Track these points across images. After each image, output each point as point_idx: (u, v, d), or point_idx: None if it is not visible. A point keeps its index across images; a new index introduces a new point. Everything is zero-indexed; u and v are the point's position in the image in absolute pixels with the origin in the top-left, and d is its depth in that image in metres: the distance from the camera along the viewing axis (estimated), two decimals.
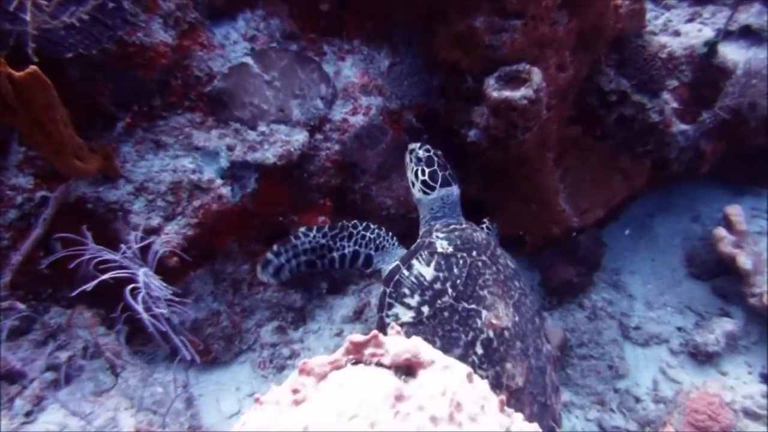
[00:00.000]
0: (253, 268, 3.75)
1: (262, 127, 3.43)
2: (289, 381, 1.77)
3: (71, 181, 3.01)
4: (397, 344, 1.82)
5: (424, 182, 3.28)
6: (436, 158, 3.31)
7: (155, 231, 3.19)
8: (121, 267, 2.81)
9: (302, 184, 3.69)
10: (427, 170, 3.28)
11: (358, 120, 3.65)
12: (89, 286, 2.77)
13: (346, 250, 3.38)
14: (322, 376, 1.81)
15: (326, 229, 3.38)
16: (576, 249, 4.18)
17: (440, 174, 3.27)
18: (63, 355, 2.91)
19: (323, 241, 3.40)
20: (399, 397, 1.62)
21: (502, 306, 2.86)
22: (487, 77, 3.31)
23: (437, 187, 3.25)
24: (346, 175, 3.78)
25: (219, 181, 3.30)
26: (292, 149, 3.45)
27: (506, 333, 2.80)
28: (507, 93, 3.18)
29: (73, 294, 2.84)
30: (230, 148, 3.36)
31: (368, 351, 1.83)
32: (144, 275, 2.83)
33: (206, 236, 3.45)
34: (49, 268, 3.11)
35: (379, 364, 1.83)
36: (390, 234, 3.41)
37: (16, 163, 2.94)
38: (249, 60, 3.44)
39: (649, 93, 3.67)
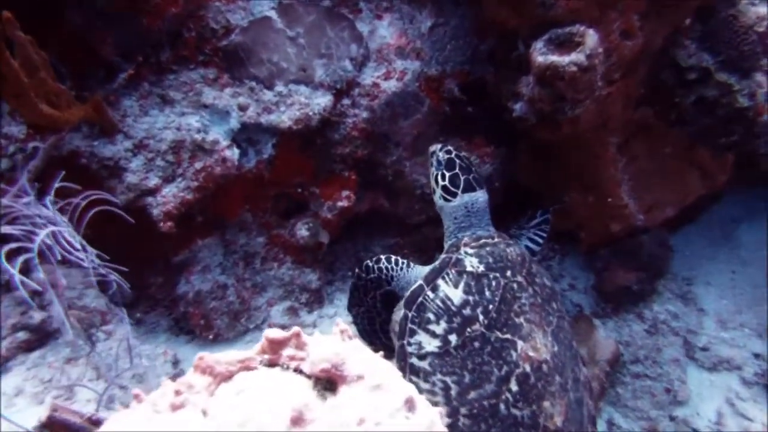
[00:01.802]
0: (269, 240, 3.47)
1: (280, 87, 3.10)
2: (180, 379, 1.44)
3: (64, 132, 2.80)
4: (321, 349, 1.44)
5: (444, 188, 2.83)
6: (458, 160, 2.85)
7: (152, 192, 2.94)
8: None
9: (325, 153, 3.35)
10: (447, 174, 2.82)
11: (391, 85, 3.25)
12: None
13: (368, 297, 2.95)
14: (226, 377, 1.47)
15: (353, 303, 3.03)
16: (638, 251, 3.61)
17: (462, 178, 2.80)
18: (38, 316, 2.72)
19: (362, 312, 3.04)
20: (297, 420, 1.27)
21: (540, 335, 2.46)
22: (536, 41, 2.82)
23: (459, 192, 2.79)
24: (375, 146, 3.40)
25: (224, 143, 3.00)
26: (311, 113, 3.11)
27: (544, 367, 2.40)
28: (554, 58, 2.68)
29: None
30: (242, 108, 3.06)
31: (286, 352, 1.48)
32: (47, 236, 2.46)
33: (212, 202, 3.19)
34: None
35: (298, 371, 1.47)
36: (398, 261, 2.89)
37: (9, 111, 2.76)
38: (273, 14, 3.11)
39: (738, 72, 3.04)
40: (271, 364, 1.50)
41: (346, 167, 3.39)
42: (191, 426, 1.29)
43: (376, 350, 1.60)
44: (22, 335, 2.68)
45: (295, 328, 1.48)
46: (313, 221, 3.42)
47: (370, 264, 2.90)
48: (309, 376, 1.43)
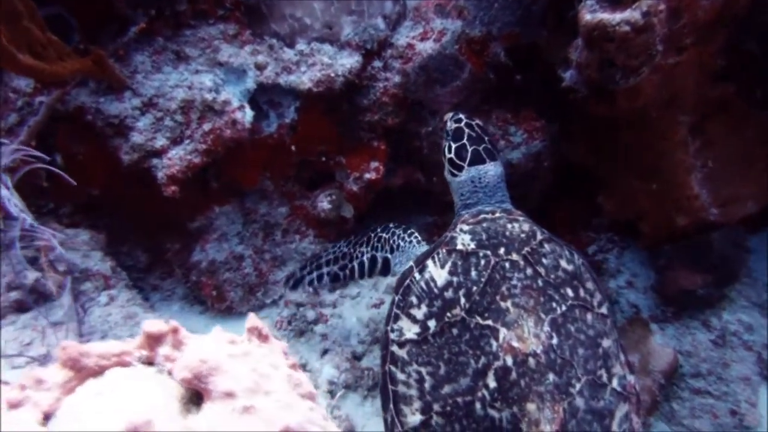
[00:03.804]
0: (291, 212, 3.24)
1: (301, 45, 2.85)
2: (33, 371, 1.22)
3: (68, 87, 2.67)
4: (195, 351, 1.18)
5: (450, 161, 2.52)
6: (467, 130, 2.52)
7: (158, 154, 2.77)
8: None
9: (352, 120, 3.08)
10: (453, 146, 2.51)
11: (427, 47, 2.92)
12: None
13: (364, 257, 2.85)
14: (95, 373, 1.23)
15: (352, 237, 2.96)
16: (707, 251, 3.09)
17: (470, 149, 2.47)
18: (31, 276, 2.62)
19: (346, 249, 2.93)
20: None
21: (531, 323, 2.06)
22: None
23: (465, 166, 2.47)
24: (408, 115, 3.09)
25: (235, 104, 2.77)
26: (334, 75, 2.83)
27: (531, 361, 2.01)
28: (603, 15, 2.26)
29: None
30: (260, 68, 2.83)
31: (162, 350, 1.24)
32: None
33: (227, 167, 2.99)
34: (49, 182, 2.85)
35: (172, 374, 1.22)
36: (410, 231, 2.76)
37: None
38: None
39: None
40: (149, 361, 1.26)
41: (375, 136, 3.10)
42: (18, 429, 1.07)
43: None
44: (15, 295, 2.61)
45: (173, 323, 1.23)
46: (336, 193, 3.16)
47: (391, 226, 2.82)
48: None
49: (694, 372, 3.23)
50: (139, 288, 3.25)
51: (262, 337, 1.41)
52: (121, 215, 3.10)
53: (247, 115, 2.80)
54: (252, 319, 1.40)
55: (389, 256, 2.76)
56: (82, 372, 1.21)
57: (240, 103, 2.79)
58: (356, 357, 3.08)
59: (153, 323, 1.23)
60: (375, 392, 3.03)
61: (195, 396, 1.17)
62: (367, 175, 3.11)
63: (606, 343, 2.24)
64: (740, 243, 3.14)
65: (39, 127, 2.66)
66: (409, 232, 2.77)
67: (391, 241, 2.77)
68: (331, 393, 2.89)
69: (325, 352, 3.08)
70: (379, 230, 2.85)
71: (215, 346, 1.22)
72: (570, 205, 3.48)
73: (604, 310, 2.31)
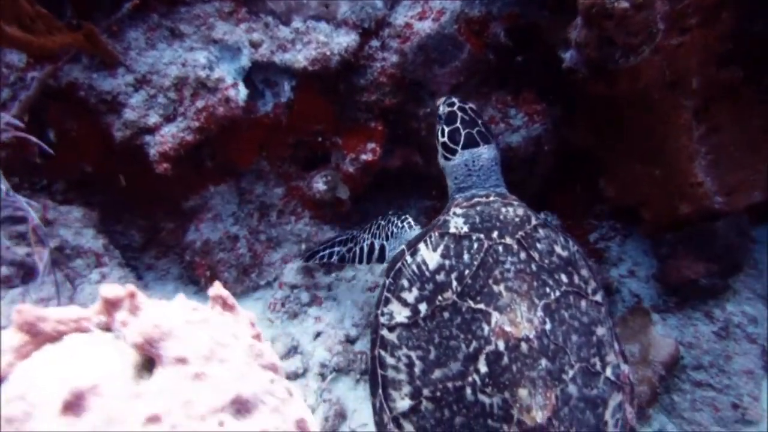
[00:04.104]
0: (287, 193, 3.21)
1: (297, 23, 2.79)
2: None
3: (60, 63, 2.65)
4: (150, 316, 1.15)
5: (443, 145, 2.48)
6: (460, 113, 2.47)
7: (151, 131, 2.74)
8: None
9: (349, 100, 3.03)
10: (446, 129, 2.47)
11: (425, 27, 2.85)
12: None
13: (365, 243, 2.84)
14: (52, 338, 1.20)
15: (367, 223, 2.97)
16: (711, 240, 3.01)
17: (463, 132, 2.42)
18: (21, 251, 2.62)
19: (356, 233, 2.95)
20: (70, 406, 0.99)
21: (524, 307, 2.03)
22: None
23: (458, 149, 2.42)
24: (406, 96, 3.03)
25: (229, 81, 2.73)
26: (330, 53, 2.78)
27: (524, 346, 1.97)
28: None
29: None
30: (255, 45, 2.78)
31: (120, 316, 1.20)
32: None
33: (221, 146, 2.96)
34: (43, 159, 2.84)
35: None
36: (403, 217, 2.75)
37: None
38: None
39: None
40: (107, 327, 1.23)
41: (373, 117, 3.05)
42: None
43: None
44: (4, 270, 2.60)
45: (129, 287, 1.19)
46: (332, 174, 3.12)
47: (389, 213, 2.83)
48: None
49: (696, 364, 3.16)
50: (133, 267, 3.24)
51: (228, 306, 1.38)
52: (115, 193, 3.08)
53: (241, 93, 2.76)
54: (216, 288, 1.36)
55: (385, 243, 2.73)
56: (38, 337, 1.18)
57: (234, 80, 2.75)
58: (350, 340, 3.04)
59: (110, 288, 1.20)
60: (368, 376, 3.00)
61: (150, 362, 1.14)
62: (364, 157, 3.07)
63: (600, 331, 2.20)
64: (745, 232, 3.05)
65: (30, 101, 2.63)
66: (402, 218, 2.75)
67: (387, 229, 2.75)
68: (322, 376, 2.86)
69: (318, 334, 3.04)
70: (380, 218, 2.85)
71: (172, 312, 1.19)
72: (572, 192, 3.41)
73: (598, 297, 2.26)
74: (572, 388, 2.02)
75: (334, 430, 2.73)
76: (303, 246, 3.26)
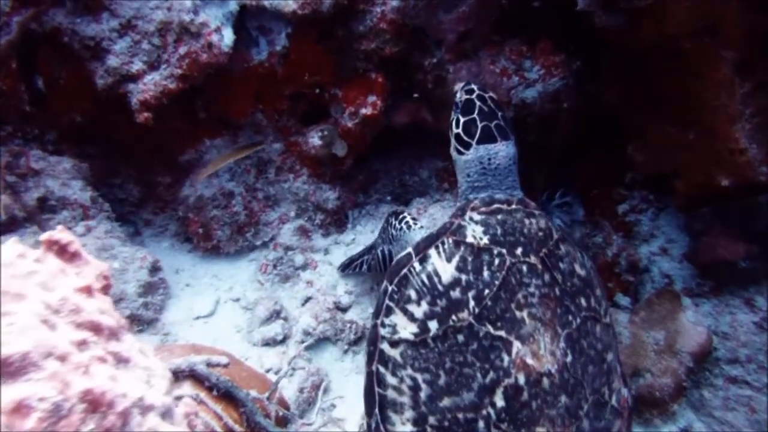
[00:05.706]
0: (286, 148, 3.03)
1: None
2: None
3: (42, 6, 2.55)
4: None
5: (457, 137, 2.21)
6: (478, 102, 2.18)
7: (134, 78, 2.62)
8: None
9: (347, 49, 2.80)
10: (462, 119, 2.19)
11: None
12: None
13: (378, 250, 2.68)
14: None
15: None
16: (753, 216, 2.60)
17: (480, 125, 2.14)
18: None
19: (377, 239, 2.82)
20: None
21: (548, 338, 1.85)
22: None
23: (473, 143, 2.14)
24: (410, 44, 2.78)
25: (212, 25, 2.57)
26: None
27: (546, 381, 1.81)
28: None
29: None
30: None
31: None
32: None
33: (214, 97, 2.82)
34: (34, 107, 2.78)
35: None
36: (401, 216, 2.54)
37: None
38: None
39: None
40: None
41: (373, 67, 2.82)
42: None
43: None
44: None
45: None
46: (329, 129, 2.91)
47: (389, 213, 2.66)
48: None
49: (731, 357, 2.78)
50: (131, 222, 3.18)
51: (67, 255, 1.21)
52: (111, 145, 3.00)
53: (225, 39, 2.59)
54: (51, 233, 1.19)
55: (391, 248, 2.56)
56: None
57: (217, 25, 2.57)
58: (340, 308, 2.85)
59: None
60: (357, 347, 2.81)
61: None
62: (364, 110, 2.84)
63: (609, 356, 2.03)
64: None
65: (11, 45, 2.56)
66: (400, 218, 2.54)
67: (388, 232, 2.58)
68: (303, 343, 2.69)
69: (307, 299, 2.88)
70: (383, 221, 2.70)
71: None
72: (599, 158, 3.05)
73: (608, 319, 2.09)
74: (585, 423, 1.88)
75: (310, 403, 2.56)
76: (300, 206, 3.09)
